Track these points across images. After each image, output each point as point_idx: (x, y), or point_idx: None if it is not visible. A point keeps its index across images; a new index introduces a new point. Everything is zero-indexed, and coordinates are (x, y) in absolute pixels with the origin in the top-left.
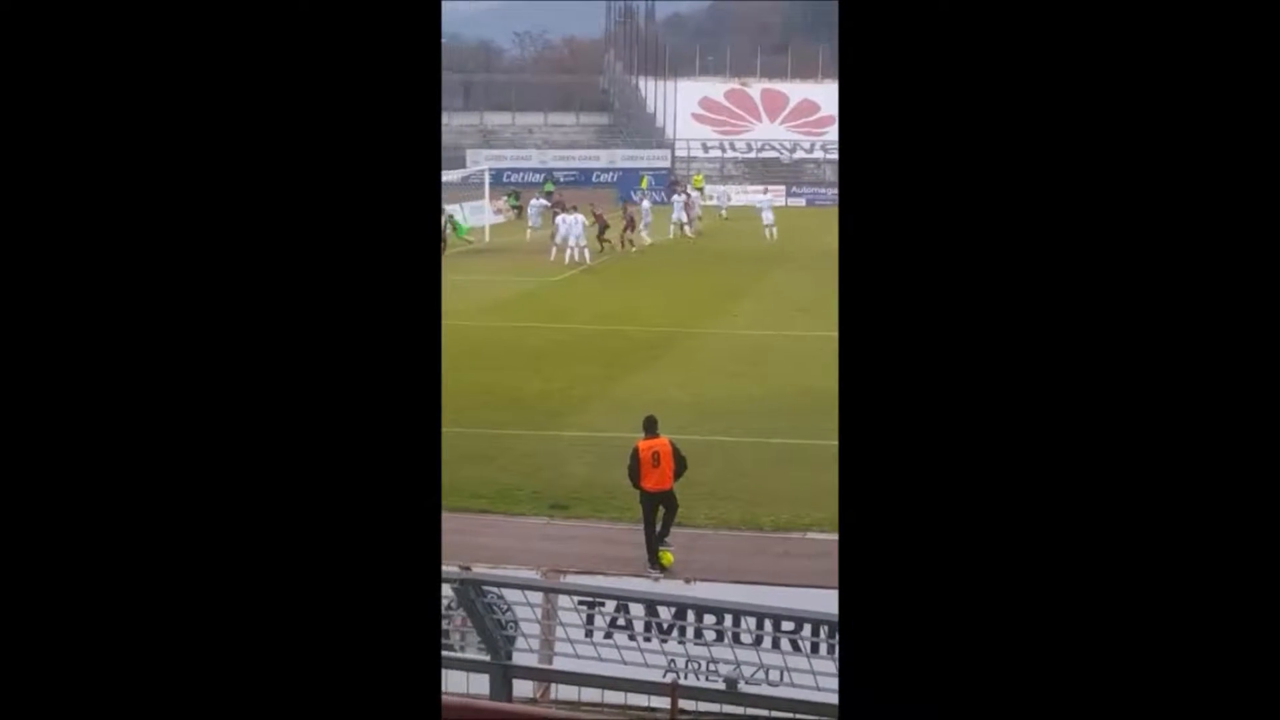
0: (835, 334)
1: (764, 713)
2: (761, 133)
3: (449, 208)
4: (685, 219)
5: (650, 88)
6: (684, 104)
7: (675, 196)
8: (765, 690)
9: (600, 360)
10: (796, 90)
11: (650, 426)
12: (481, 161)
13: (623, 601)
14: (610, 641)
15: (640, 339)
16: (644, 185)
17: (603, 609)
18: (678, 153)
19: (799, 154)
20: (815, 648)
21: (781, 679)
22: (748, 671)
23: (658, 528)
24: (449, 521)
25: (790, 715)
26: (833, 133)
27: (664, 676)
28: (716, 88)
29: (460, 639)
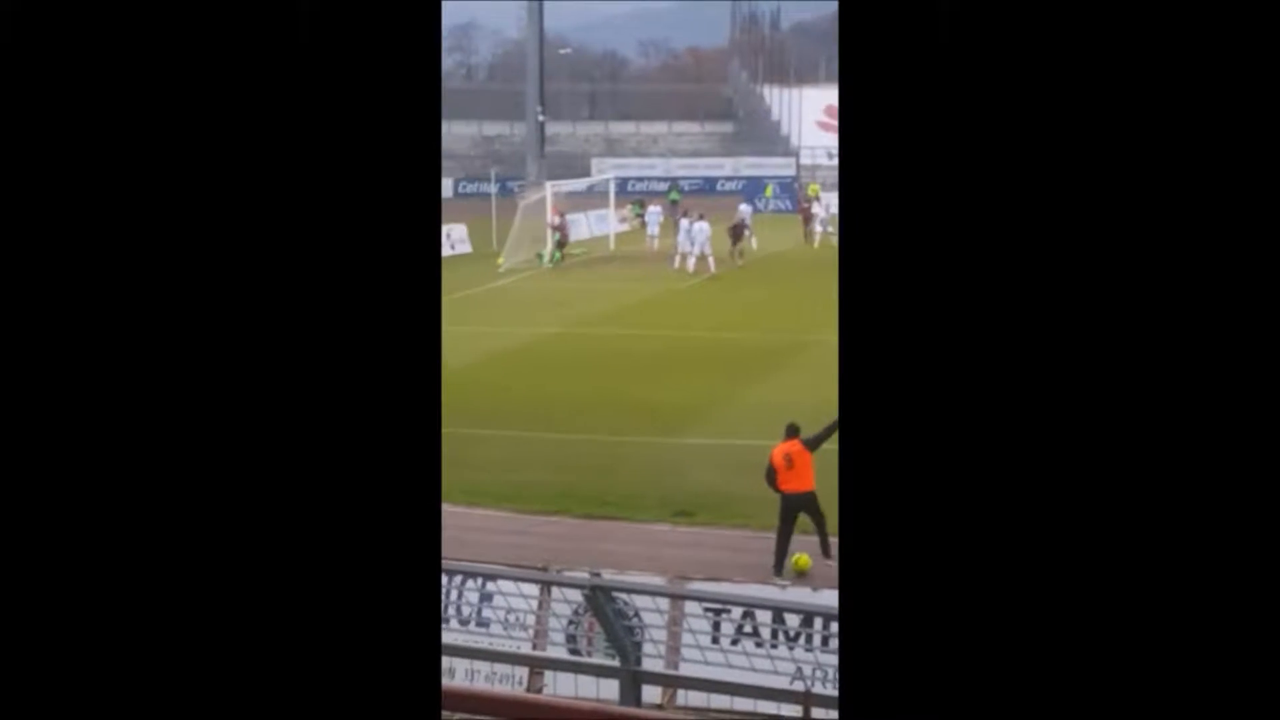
0: None
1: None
2: None
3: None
4: (820, 228)
5: (774, 95)
6: (808, 112)
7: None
8: None
9: (724, 367)
10: None
11: (791, 432)
12: (607, 170)
13: (749, 608)
14: (738, 648)
15: (764, 346)
16: (769, 193)
17: (729, 615)
18: (802, 161)
19: None
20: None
21: None
22: None
23: (795, 534)
24: (577, 528)
25: None
26: None
27: (790, 684)
28: None
29: (588, 644)
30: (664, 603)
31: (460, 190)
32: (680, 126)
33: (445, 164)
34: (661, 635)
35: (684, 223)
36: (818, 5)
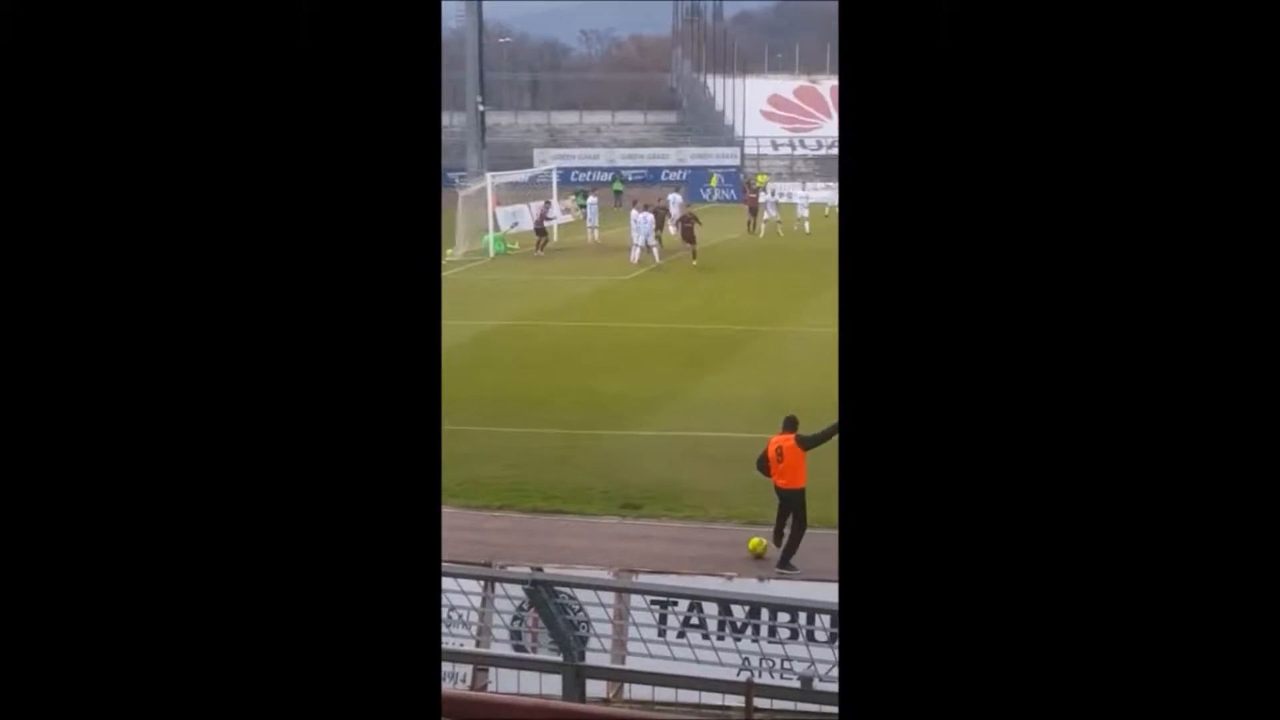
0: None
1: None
2: (832, 129)
3: (510, 210)
4: (771, 215)
5: (719, 85)
6: (753, 101)
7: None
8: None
9: (672, 359)
10: None
11: (789, 424)
12: (549, 160)
13: (696, 600)
14: (683, 640)
15: (712, 337)
16: (713, 183)
17: (675, 608)
18: (747, 150)
19: None
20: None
21: None
22: (822, 669)
23: (786, 531)
24: (524, 522)
25: None
26: None
27: (738, 675)
28: (785, 85)
29: (532, 640)
30: (609, 596)
31: None
32: (624, 116)
33: None
34: (607, 629)
35: (635, 213)
36: None
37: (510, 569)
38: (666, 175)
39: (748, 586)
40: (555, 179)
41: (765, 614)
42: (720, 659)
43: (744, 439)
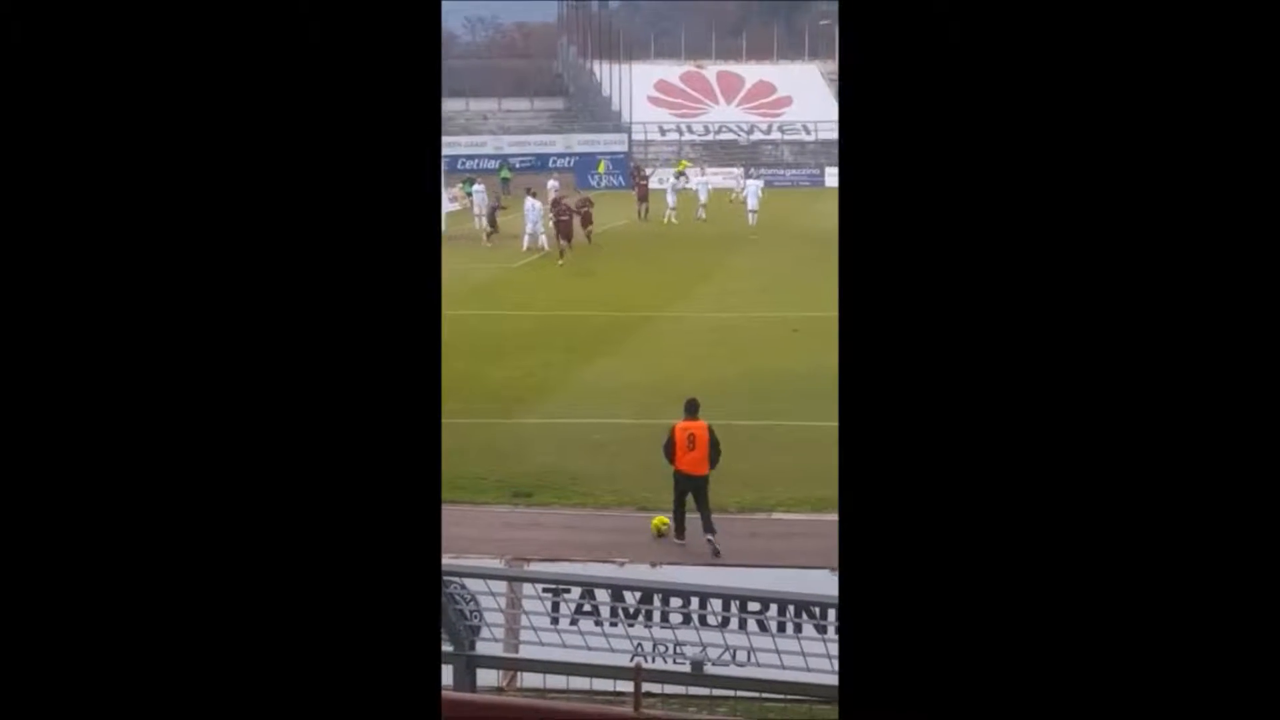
0: (799, 314)
1: (729, 693)
2: (718, 115)
3: None
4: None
5: (605, 71)
6: (639, 87)
7: (674, 181)
8: (732, 671)
9: (562, 345)
10: (752, 72)
11: (691, 409)
12: None
13: (587, 587)
14: (575, 628)
15: (602, 324)
16: (601, 169)
17: (567, 596)
18: (635, 136)
19: (756, 135)
20: (781, 627)
21: (748, 659)
22: (713, 653)
23: (687, 515)
24: None
25: (756, 695)
26: (789, 113)
27: (630, 661)
28: (672, 70)
29: None
30: (500, 585)
31: None
32: (510, 103)
33: None
34: (499, 619)
35: (529, 201)
36: None
37: None
38: (554, 162)
39: (639, 572)
40: (442, 167)
41: (657, 599)
42: (611, 645)
43: (633, 425)
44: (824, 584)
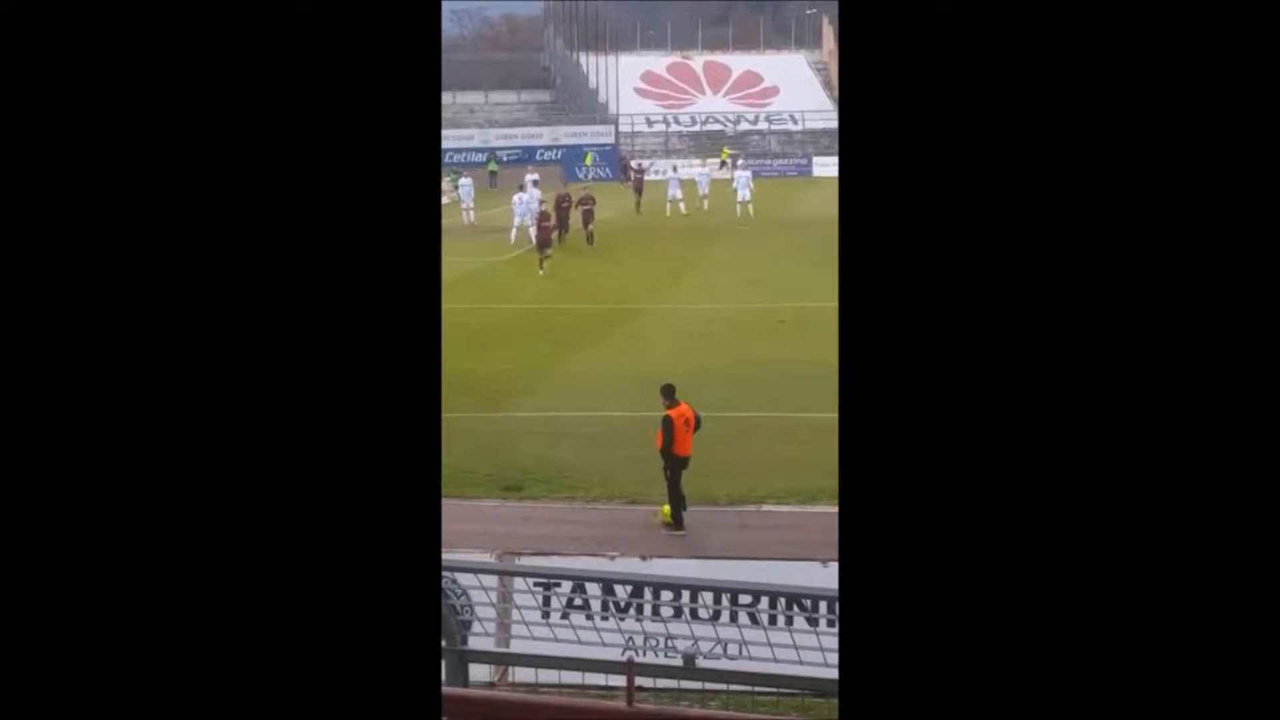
0: (788, 305)
1: (722, 686)
2: (705, 105)
3: None
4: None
5: (591, 63)
6: (626, 79)
7: (673, 173)
8: (723, 664)
9: (550, 338)
10: (738, 62)
11: (669, 393)
12: None
13: (578, 581)
14: (566, 622)
15: (589, 316)
16: (588, 161)
17: (558, 590)
18: (621, 128)
19: (743, 126)
20: (773, 620)
21: (740, 653)
22: (705, 646)
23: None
24: None
25: (748, 688)
26: (777, 104)
27: (622, 655)
28: (658, 61)
29: None
30: (491, 579)
31: None
32: (497, 96)
33: None
34: (490, 614)
35: (518, 195)
36: None
37: None
38: (541, 155)
39: (630, 566)
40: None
41: (648, 593)
42: (603, 639)
43: (622, 418)
44: (815, 576)
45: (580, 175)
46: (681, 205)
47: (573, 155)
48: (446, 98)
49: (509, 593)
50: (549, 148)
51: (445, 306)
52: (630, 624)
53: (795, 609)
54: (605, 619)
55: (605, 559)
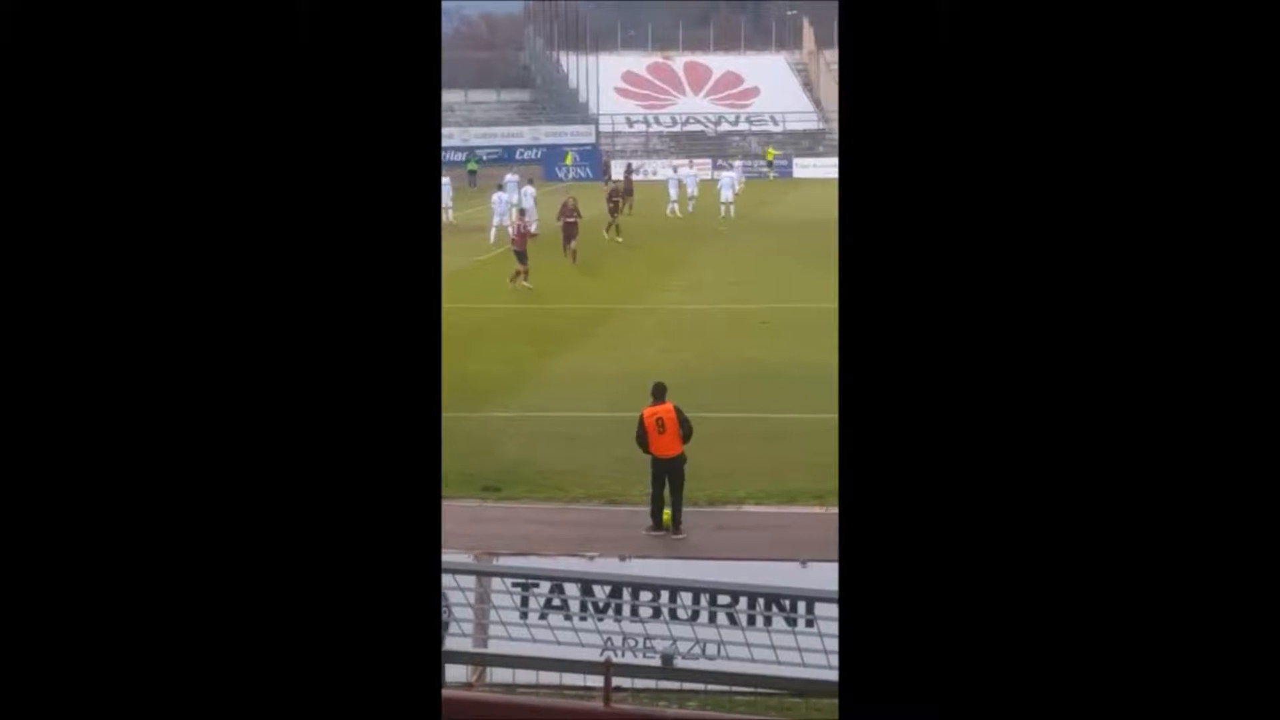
0: (769, 306)
1: (699, 687)
2: (685, 106)
3: None
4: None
5: (572, 63)
6: (606, 78)
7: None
8: (702, 665)
9: (530, 338)
10: (719, 62)
11: (659, 393)
12: None
13: (556, 582)
14: (544, 623)
15: (572, 317)
16: (568, 161)
17: (536, 590)
18: (602, 127)
19: (724, 126)
20: (751, 620)
21: (719, 653)
22: (683, 647)
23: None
24: None
25: (726, 688)
26: (757, 104)
27: (600, 655)
28: (639, 61)
29: None
30: (469, 580)
31: None
32: (476, 95)
33: None
34: (468, 613)
35: (497, 194)
36: None
37: None
38: (521, 154)
39: (609, 566)
40: None
41: (627, 593)
42: (581, 640)
43: (603, 418)
44: (794, 577)
45: (560, 175)
46: (674, 207)
47: (553, 154)
48: None
49: (487, 593)
50: (529, 147)
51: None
52: (609, 624)
53: (774, 609)
54: (584, 619)
55: (584, 559)
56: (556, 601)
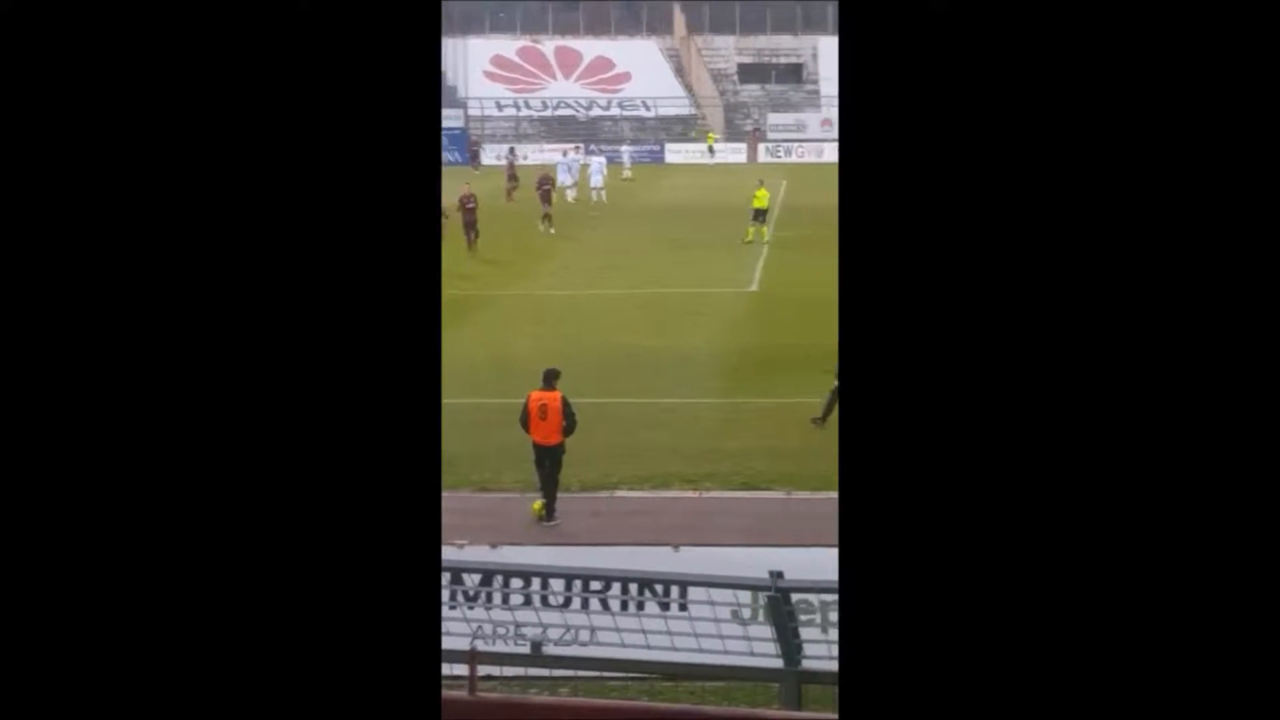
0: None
1: (570, 673)
2: (556, 90)
3: None
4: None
5: (440, 46)
6: (475, 62)
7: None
8: (574, 651)
9: None
10: (590, 47)
11: (549, 378)
12: None
13: None
14: None
15: (446, 303)
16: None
17: None
18: (471, 112)
19: (595, 111)
20: (624, 605)
21: (590, 639)
22: (554, 634)
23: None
24: None
25: (596, 674)
26: (629, 89)
27: (470, 644)
28: (508, 45)
29: None
30: None
31: None
32: None
33: None
34: None
35: None
36: None
37: None
38: None
39: (480, 554)
40: None
41: (498, 581)
42: (449, 629)
43: (471, 405)
44: (666, 561)
45: None
46: (570, 193)
47: None
48: None
49: None
50: None
51: None
52: (479, 613)
53: (646, 594)
54: (453, 609)
55: (454, 548)
56: None
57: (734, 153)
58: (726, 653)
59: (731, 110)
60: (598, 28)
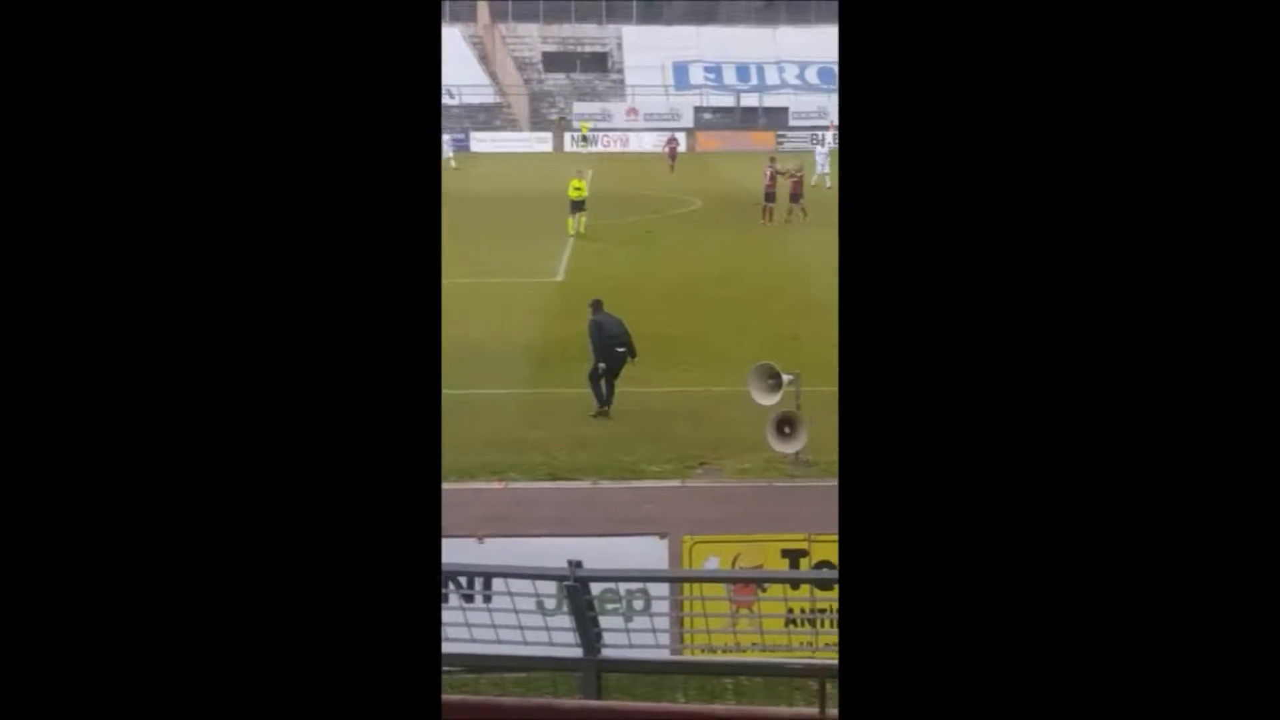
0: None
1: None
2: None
3: None
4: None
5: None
6: None
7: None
8: None
9: None
10: None
11: None
12: None
13: None
14: None
15: None
16: None
17: None
18: None
19: None
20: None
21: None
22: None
23: None
24: None
25: None
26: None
27: None
28: None
29: None
30: None
31: None
32: None
33: None
34: None
35: None
36: None
37: None
38: None
39: None
40: None
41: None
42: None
43: None
44: (471, 553)
45: None
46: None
47: None
48: None
49: None
50: None
51: None
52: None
53: (450, 585)
54: None
55: None
56: None
57: (539, 142)
58: (526, 644)
59: (537, 99)
60: None
